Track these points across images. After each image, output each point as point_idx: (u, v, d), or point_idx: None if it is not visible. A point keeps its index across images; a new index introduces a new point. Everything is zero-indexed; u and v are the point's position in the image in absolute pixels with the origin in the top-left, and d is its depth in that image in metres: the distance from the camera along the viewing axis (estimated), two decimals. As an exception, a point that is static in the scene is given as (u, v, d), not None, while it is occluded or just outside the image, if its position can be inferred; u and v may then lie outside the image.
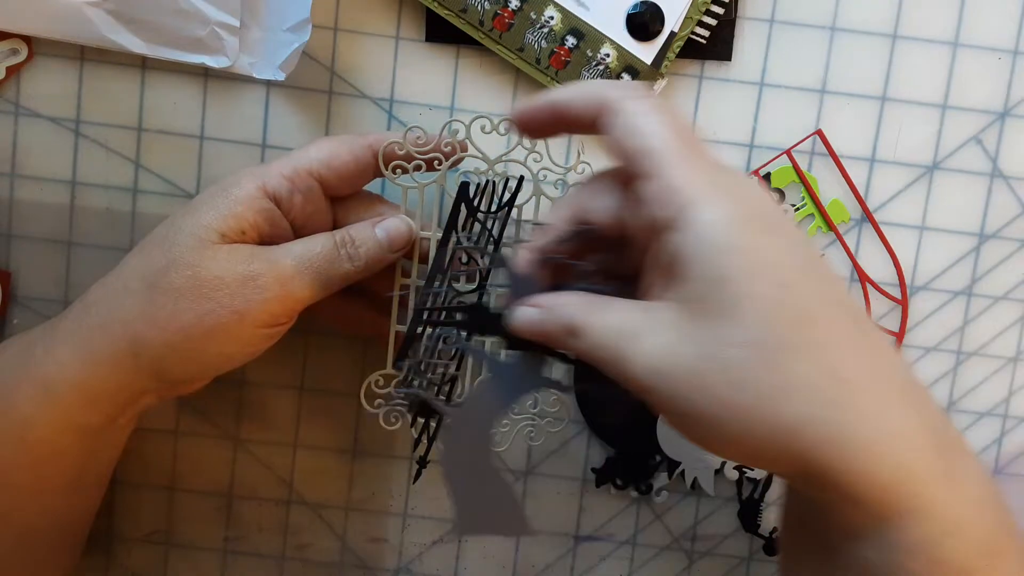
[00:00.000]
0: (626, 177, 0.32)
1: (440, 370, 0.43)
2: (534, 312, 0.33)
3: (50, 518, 0.41)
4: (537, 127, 0.35)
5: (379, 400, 0.42)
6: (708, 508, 0.49)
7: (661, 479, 0.48)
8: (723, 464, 0.48)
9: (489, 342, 0.41)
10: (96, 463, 0.42)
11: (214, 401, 0.48)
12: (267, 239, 0.39)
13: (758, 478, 0.48)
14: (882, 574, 0.30)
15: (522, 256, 0.35)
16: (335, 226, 0.42)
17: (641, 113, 0.31)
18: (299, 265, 0.38)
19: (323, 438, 0.48)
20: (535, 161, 0.42)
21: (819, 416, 0.28)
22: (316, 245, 0.38)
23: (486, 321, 0.37)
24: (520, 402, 0.38)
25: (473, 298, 0.42)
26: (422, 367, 0.42)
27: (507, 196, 0.42)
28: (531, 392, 0.38)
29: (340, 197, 0.42)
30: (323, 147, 0.40)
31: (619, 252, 0.34)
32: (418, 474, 0.44)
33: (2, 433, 0.38)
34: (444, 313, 0.39)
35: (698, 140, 0.32)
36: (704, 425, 0.29)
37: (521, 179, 0.41)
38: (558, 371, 0.47)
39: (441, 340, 0.42)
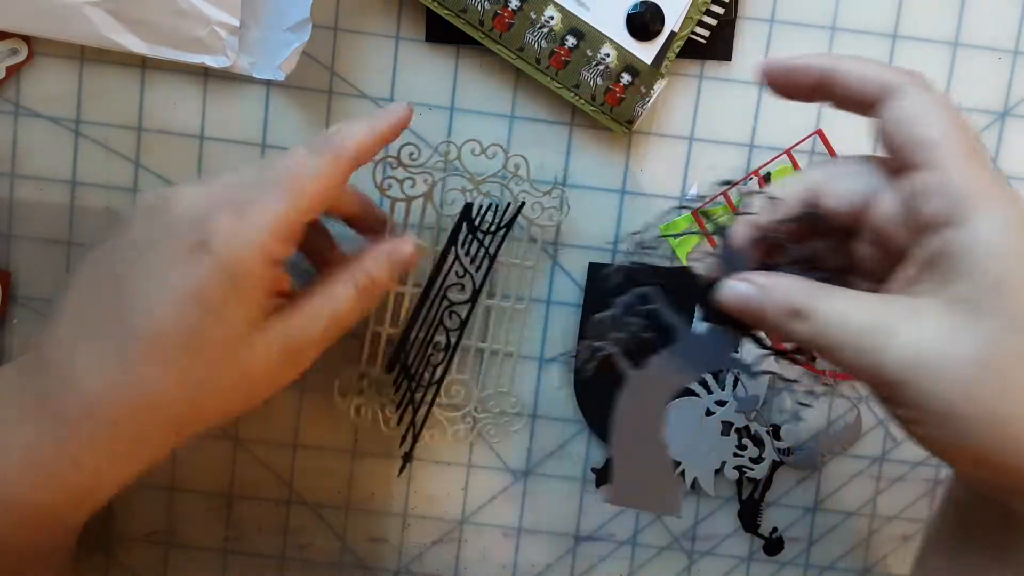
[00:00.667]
0: (889, 166, 0.32)
1: (431, 370, 0.46)
2: (748, 288, 0.32)
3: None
4: (793, 88, 0.34)
5: (350, 395, 0.46)
6: (708, 508, 0.49)
7: (661, 479, 0.48)
8: (723, 464, 0.48)
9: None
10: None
11: (214, 401, 0.48)
12: (280, 294, 0.37)
13: (758, 478, 0.48)
14: None
15: (740, 229, 0.35)
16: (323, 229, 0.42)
17: (925, 103, 0.31)
18: (329, 327, 0.37)
19: (323, 438, 0.48)
20: (516, 184, 0.45)
21: None
22: (340, 303, 0.37)
23: (689, 288, 0.36)
24: (702, 376, 0.37)
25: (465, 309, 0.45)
26: (413, 371, 0.45)
27: (506, 218, 0.45)
28: (717, 369, 0.37)
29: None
30: (317, 185, 0.36)
31: (837, 241, 0.34)
32: (402, 468, 0.47)
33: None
34: (642, 274, 0.38)
35: (980, 141, 0.31)
36: (947, 425, 0.29)
37: (522, 204, 0.45)
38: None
39: (431, 346, 0.46)
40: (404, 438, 0.47)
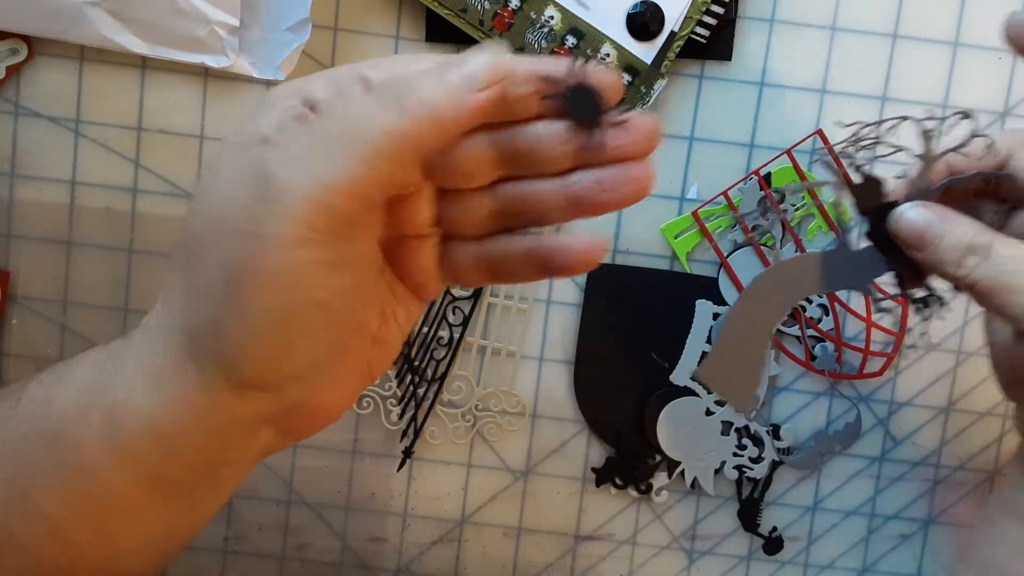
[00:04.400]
0: None
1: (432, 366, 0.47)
2: (931, 215, 0.33)
3: None
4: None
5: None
6: (708, 507, 0.49)
7: (661, 479, 0.48)
8: (723, 464, 0.48)
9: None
10: (178, 525, 0.32)
11: (214, 401, 0.48)
12: None
13: (758, 478, 0.48)
14: None
15: (942, 165, 0.35)
16: None
17: None
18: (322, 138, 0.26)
19: (323, 438, 0.48)
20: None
21: None
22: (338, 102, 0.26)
23: (871, 199, 0.36)
24: (835, 288, 0.38)
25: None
26: (417, 363, 0.46)
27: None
28: (850, 288, 0.37)
29: None
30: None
31: (1006, 209, 0.35)
32: (402, 463, 0.47)
33: (64, 477, 0.29)
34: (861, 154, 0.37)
35: None
36: None
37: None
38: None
39: (434, 340, 0.46)
40: (405, 433, 0.47)
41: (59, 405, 0.29)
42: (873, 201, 0.35)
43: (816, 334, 0.47)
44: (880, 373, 0.48)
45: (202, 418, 0.28)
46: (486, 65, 0.26)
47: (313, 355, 0.28)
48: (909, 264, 0.35)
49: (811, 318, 0.47)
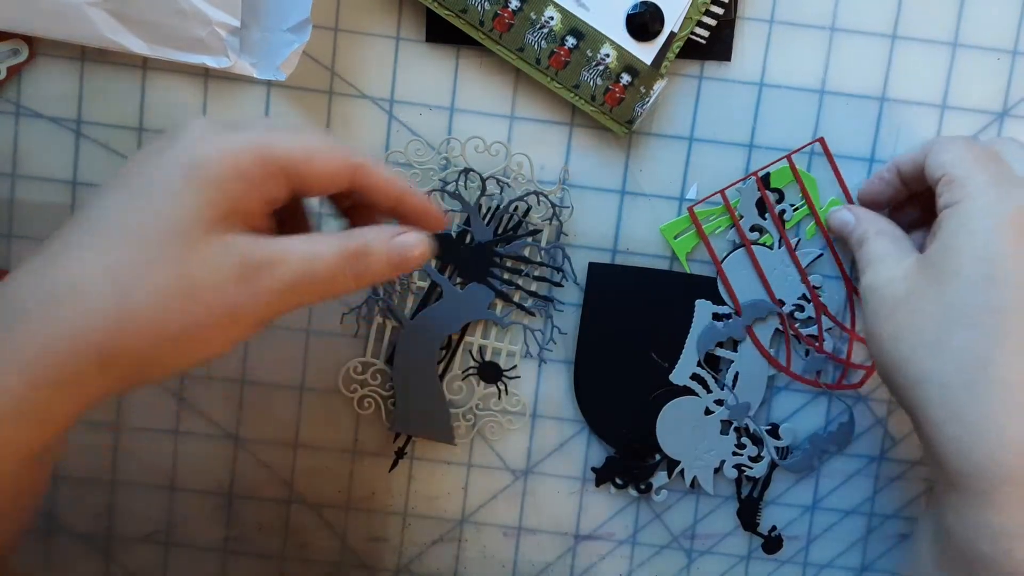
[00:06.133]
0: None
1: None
2: (851, 217, 0.45)
3: None
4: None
5: (355, 385, 0.47)
6: (707, 507, 0.49)
7: (660, 478, 0.49)
8: (722, 463, 0.48)
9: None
10: (32, 485, 0.35)
11: (214, 401, 0.48)
12: (249, 221, 0.33)
13: (757, 477, 0.49)
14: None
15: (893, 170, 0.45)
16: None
17: (949, 145, 0.41)
18: (298, 276, 0.33)
19: (323, 437, 0.49)
20: (518, 182, 0.46)
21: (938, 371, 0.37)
22: (322, 255, 0.33)
23: (453, 252, 0.46)
24: (461, 325, 0.46)
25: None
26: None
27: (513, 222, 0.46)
28: (475, 319, 0.46)
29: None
30: (305, 143, 0.34)
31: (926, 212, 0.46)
32: (394, 464, 0.48)
33: None
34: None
35: (986, 154, 0.40)
36: (870, 338, 0.40)
37: (528, 209, 0.46)
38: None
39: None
40: (398, 435, 0.48)
41: None
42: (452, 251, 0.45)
43: (809, 347, 0.48)
44: (871, 375, 0.48)
45: (81, 405, 0.32)
46: (420, 260, 0.35)
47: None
48: (500, 288, 0.46)
49: (805, 333, 0.47)
